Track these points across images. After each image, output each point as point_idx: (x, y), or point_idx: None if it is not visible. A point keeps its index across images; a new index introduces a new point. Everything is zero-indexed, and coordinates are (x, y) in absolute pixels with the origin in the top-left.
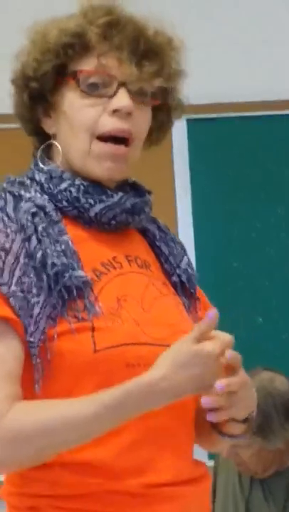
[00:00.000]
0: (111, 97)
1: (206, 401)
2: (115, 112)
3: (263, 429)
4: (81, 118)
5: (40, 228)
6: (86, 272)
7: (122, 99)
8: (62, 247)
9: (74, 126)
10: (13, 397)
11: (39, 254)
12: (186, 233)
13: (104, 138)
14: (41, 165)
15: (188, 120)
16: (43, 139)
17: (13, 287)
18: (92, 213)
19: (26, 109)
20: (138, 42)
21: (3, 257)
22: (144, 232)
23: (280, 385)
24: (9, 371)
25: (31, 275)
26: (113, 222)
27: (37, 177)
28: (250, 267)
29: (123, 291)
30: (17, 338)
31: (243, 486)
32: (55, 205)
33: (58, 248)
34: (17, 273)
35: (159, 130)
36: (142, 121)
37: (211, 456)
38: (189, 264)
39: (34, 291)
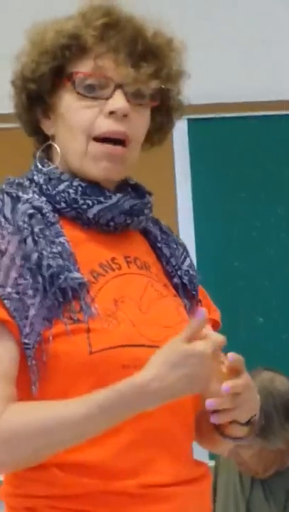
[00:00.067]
0: (107, 98)
1: (210, 403)
2: (111, 113)
3: (264, 430)
4: (78, 120)
5: (36, 230)
6: (83, 273)
7: (118, 101)
8: (59, 248)
9: (71, 127)
10: (7, 398)
11: (35, 256)
12: (186, 233)
13: (100, 139)
14: (40, 166)
15: (188, 120)
16: (43, 140)
17: (8, 289)
18: (90, 214)
19: (25, 110)
20: (136, 43)
21: None
22: (145, 234)
23: (281, 385)
24: (4, 372)
25: (27, 277)
26: (111, 223)
27: (36, 178)
28: (250, 266)
29: (121, 292)
30: (12, 340)
31: (243, 486)
32: (54, 207)
33: (54, 250)
34: (13, 275)
35: (159, 131)
36: (139, 123)
37: (212, 456)
38: (191, 265)
39: (30, 292)
